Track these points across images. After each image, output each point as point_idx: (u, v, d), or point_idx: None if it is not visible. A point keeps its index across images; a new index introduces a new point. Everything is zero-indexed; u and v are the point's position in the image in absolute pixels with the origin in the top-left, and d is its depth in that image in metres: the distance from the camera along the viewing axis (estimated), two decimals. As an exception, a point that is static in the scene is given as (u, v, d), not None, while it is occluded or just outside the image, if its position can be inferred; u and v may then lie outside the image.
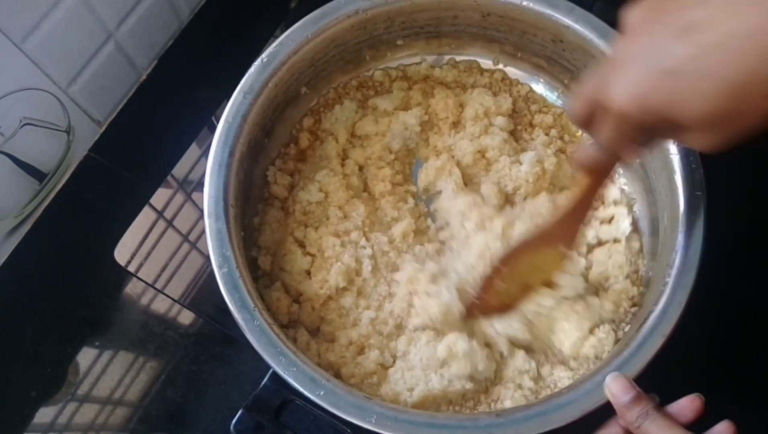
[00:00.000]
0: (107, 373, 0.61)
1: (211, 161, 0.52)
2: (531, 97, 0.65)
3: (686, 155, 0.50)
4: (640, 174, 0.58)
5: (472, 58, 0.66)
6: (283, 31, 0.74)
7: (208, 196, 0.51)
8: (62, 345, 0.63)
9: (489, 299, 0.53)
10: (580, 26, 0.56)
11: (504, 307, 0.53)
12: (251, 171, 0.58)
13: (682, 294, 0.46)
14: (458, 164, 0.61)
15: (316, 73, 0.61)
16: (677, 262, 0.47)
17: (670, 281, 0.47)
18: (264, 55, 0.55)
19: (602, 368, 0.44)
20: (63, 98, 0.64)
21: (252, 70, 0.55)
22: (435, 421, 0.43)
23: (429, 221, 0.60)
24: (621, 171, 0.61)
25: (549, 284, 0.53)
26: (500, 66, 0.66)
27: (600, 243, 0.58)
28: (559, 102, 0.65)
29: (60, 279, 0.65)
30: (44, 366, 0.62)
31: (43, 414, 0.60)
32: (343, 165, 0.61)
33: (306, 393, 0.43)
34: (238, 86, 0.54)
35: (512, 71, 0.65)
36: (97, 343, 0.63)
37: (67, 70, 0.63)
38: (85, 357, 0.62)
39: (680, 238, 0.48)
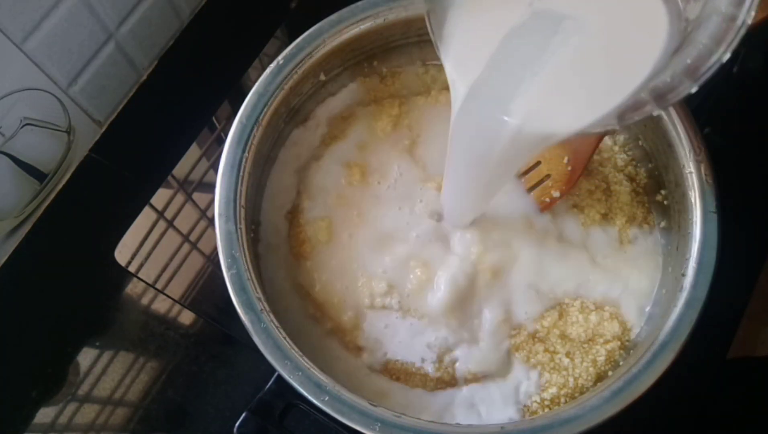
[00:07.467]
0: (108, 373, 0.62)
1: (224, 162, 0.51)
2: None
3: (700, 172, 0.50)
4: (654, 189, 0.58)
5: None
6: (283, 32, 0.75)
7: (219, 196, 0.50)
8: (62, 345, 0.63)
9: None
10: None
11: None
12: (263, 173, 0.58)
13: (693, 312, 0.46)
14: None
15: (331, 77, 0.61)
16: (689, 279, 0.47)
17: (682, 297, 0.47)
18: (280, 58, 0.54)
19: (610, 384, 0.44)
20: (63, 98, 0.64)
21: (267, 72, 0.54)
22: (440, 430, 0.43)
23: None
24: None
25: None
26: None
27: None
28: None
29: (60, 279, 0.65)
30: (44, 366, 0.62)
31: (44, 415, 0.60)
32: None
33: (310, 398, 0.43)
34: (253, 87, 0.54)
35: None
36: (97, 343, 0.63)
37: (68, 70, 0.63)
38: (86, 357, 0.62)
39: (692, 255, 0.48)
